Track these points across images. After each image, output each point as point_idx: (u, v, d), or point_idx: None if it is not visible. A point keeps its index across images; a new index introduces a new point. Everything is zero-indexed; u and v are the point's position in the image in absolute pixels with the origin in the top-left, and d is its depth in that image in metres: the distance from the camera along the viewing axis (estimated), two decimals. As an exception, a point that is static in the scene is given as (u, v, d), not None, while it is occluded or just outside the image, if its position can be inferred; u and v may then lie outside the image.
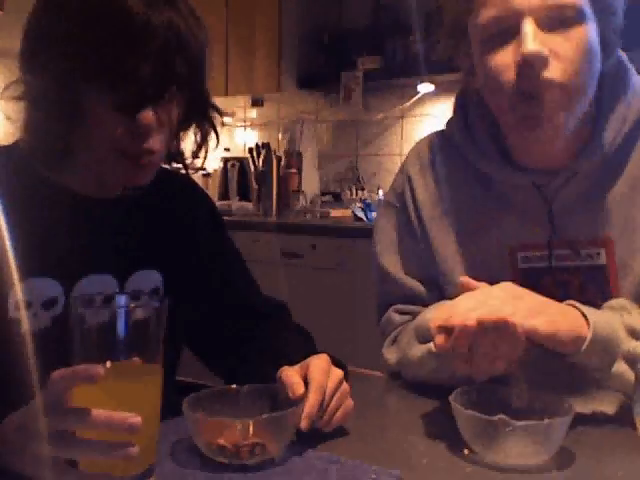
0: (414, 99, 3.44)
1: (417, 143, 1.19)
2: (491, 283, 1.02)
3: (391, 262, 1.13)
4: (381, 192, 3.36)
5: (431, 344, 0.93)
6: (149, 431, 0.67)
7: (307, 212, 3.52)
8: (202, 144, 0.97)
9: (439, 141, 1.13)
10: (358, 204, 3.29)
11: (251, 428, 0.76)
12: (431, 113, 3.42)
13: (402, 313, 1.12)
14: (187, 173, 1.05)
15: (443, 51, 1.03)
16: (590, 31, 0.91)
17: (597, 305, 0.97)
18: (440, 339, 0.83)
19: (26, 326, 0.87)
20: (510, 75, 0.91)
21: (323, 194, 3.69)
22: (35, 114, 0.87)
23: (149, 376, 0.68)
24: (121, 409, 0.64)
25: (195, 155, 0.98)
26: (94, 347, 0.67)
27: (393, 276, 1.12)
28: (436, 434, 0.88)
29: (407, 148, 3.83)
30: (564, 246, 1.00)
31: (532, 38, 0.88)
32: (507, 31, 0.91)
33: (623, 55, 1.01)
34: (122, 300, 0.74)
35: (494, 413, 0.80)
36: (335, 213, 3.36)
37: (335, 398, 0.85)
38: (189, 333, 1.06)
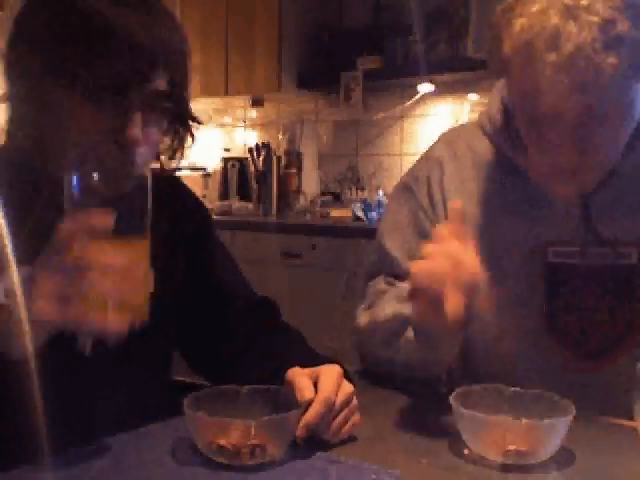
0: (414, 99, 3.44)
1: (445, 133, 1.17)
2: (517, 276, 1.01)
3: (393, 243, 1.11)
4: (381, 192, 3.36)
5: (403, 306, 0.94)
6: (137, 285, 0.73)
7: (307, 212, 3.52)
8: (178, 149, 0.96)
9: (471, 132, 1.11)
10: (358, 204, 3.29)
11: (252, 429, 0.76)
12: (431, 113, 3.42)
13: (389, 284, 1.11)
14: (169, 173, 1.06)
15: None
16: (633, 99, 0.88)
17: (624, 305, 0.97)
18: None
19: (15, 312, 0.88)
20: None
21: (323, 194, 3.69)
22: (22, 117, 0.88)
23: (138, 242, 0.75)
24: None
25: (172, 157, 0.98)
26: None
27: (391, 255, 1.11)
28: (436, 434, 0.88)
29: (407, 148, 3.82)
30: (597, 243, 0.99)
31: (557, 150, 0.88)
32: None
33: None
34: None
35: (494, 413, 0.80)
36: (335, 213, 3.36)
37: (343, 413, 0.84)
38: (178, 333, 1.06)
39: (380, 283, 1.12)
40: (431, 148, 1.15)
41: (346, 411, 0.85)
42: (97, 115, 0.84)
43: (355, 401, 0.87)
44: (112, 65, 0.82)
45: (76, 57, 0.82)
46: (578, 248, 1.00)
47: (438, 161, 1.11)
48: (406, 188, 1.14)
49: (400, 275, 1.09)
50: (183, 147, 0.96)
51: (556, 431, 0.78)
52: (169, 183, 1.09)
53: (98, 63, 0.81)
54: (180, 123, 0.94)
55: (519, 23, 0.86)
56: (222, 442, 0.76)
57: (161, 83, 0.86)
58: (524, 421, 0.78)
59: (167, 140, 0.94)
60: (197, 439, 0.79)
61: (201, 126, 0.96)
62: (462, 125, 1.17)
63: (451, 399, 0.82)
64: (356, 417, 0.87)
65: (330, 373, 0.85)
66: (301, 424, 0.80)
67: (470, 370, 1.08)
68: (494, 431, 0.78)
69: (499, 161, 1.06)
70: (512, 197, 1.04)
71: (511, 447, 0.78)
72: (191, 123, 0.95)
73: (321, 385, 0.83)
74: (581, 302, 1.01)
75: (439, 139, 1.16)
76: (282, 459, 0.79)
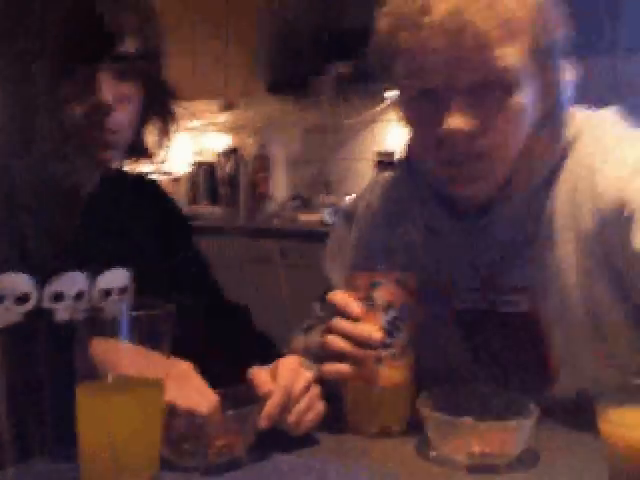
0: (384, 104, 3.46)
1: (374, 178, 1.19)
2: (430, 322, 0.99)
3: (333, 266, 1.14)
4: (351, 197, 3.37)
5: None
6: (152, 441, 0.68)
7: (276, 217, 3.51)
8: (165, 135, 0.97)
9: (393, 177, 1.13)
10: (327, 209, 3.29)
11: (216, 426, 0.76)
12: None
13: (323, 309, 1.12)
14: (154, 179, 1.09)
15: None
16: (524, 97, 0.86)
17: (526, 351, 0.96)
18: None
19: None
20: (432, 141, 0.89)
21: (292, 199, 3.68)
22: None
23: (151, 389, 0.68)
24: (123, 421, 0.65)
25: (159, 146, 0.98)
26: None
27: (330, 281, 1.13)
28: (403, 437, 0.89)
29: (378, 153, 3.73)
30: (490, 291, 0.98)
31: (455, 114, 0.84)
32: (430, 94, 0.87)
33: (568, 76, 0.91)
34: (124, 306, 0.71)
35: (462, 414, 0.80)
36: (304, 218, 3.36)
37: (304, 401, 0.84)
38: None
39: (315, 306, 1.15)
40: (364, 189, 1.17)
41: (307, 399, 0.84)
42: (66, 84, 0.82)
43: (316, 389, 0.86)
44: (77, 31, 0.81)
45: (36, 24, 0.80)
46: (478, 295, 0.99)
47: (363, 201, 1.13)
48: (347, 216, 1.16)
49: None
50: (168, 131, 0.96)
51: (520, 432, 0.79)
52: (148, 188, 1.09)
53: (61, 29, 0.80)
54: (156, 92, 0.93)
55: (387, 8, 0.90)
56: (187, 446, 0.76)
57: (129, 47, 0.86)
58: (488, 422, 0.79)
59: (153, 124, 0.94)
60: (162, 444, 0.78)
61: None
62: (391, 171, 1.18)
63: (417, 401, 0.82)
64: (319, 406, 0.86)
65: (287, 363, 0.86)
66: (263, 415, 0.80)
67: None
68: (459, 433, 0.79)
69: (409, 212, 1.06)
70: (419, 246, 1.04)
71: (476, 448, 0.78)
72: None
73: (278, 375, 0.83)
74: (494, 347, 1.00)
75: (368, 185, 1.18)
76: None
